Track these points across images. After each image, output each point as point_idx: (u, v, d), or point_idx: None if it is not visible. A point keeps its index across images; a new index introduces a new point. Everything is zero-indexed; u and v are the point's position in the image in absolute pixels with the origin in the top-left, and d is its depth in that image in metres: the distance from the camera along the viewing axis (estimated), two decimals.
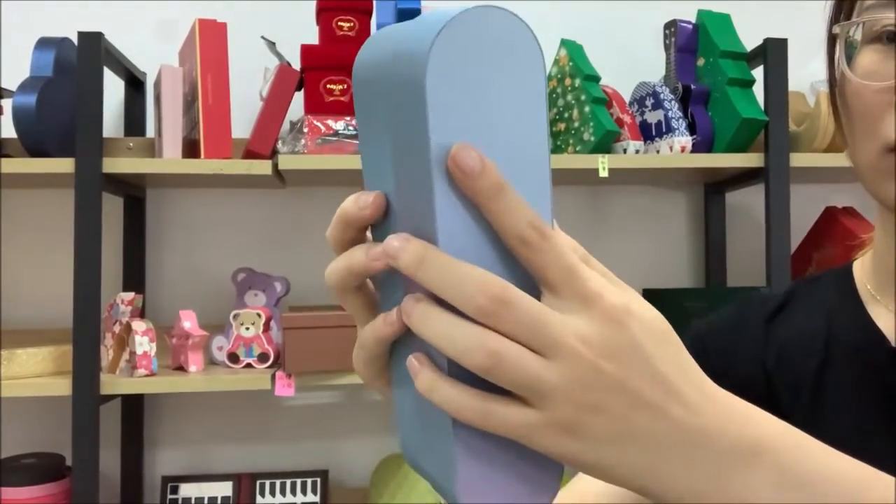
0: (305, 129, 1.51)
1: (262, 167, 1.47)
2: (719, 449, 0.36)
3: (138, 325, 1.45)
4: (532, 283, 0.36)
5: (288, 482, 1.68)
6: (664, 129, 1.59)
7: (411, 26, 0.36)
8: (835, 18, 0.61)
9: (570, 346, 0.34)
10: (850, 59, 0.59)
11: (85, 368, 1.40)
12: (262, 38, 1.61)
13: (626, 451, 0.36)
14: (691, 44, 1.65)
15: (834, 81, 0.62)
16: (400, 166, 0.36)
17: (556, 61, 1.65)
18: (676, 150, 1.56)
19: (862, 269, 0.67)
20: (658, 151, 1.60)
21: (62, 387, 1.42)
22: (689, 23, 1.65)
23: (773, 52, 1.56)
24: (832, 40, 0.61)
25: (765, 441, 0.37)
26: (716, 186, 1.83)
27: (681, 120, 1.58)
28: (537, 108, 0.36)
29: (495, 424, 0.35)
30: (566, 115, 1.60)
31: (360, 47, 0.39)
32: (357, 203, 0.38)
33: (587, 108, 1.55)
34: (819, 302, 0.67)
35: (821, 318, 0.65)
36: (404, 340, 0.39)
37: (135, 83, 1.72)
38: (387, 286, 0.40)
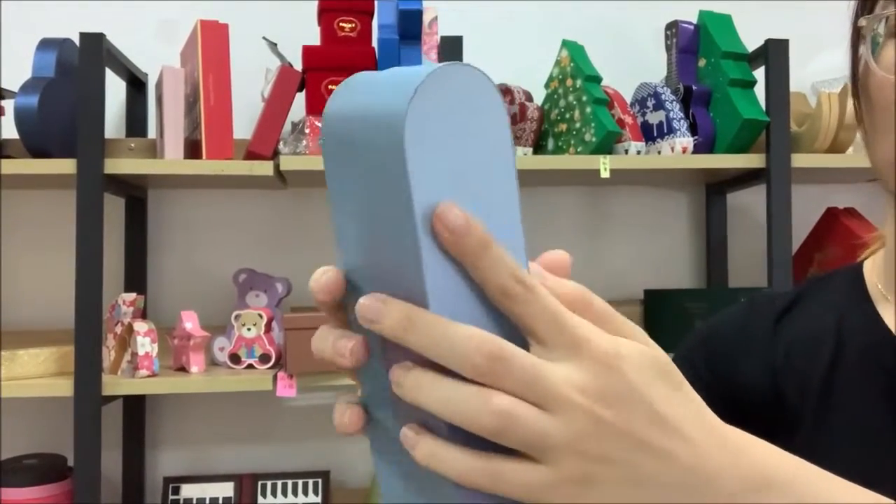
0: (307, 130, 1.51)
1: (264, 168, 1.48)
2: (730, 486, 0.36)
3: (140, 326, 1.45)
4: (519, 336, 0.35)
5: (289, 483, 1.68)
6: (665, 130, 1.59)
7: (384, 82, 0.36)
8: (860, 12, 0.61)
9: (566, 397, 0.34)
10: (874, 52, 0.59)
11: (87, 369, 1.40)
12: (264, 38, 1.61)
13: (639, 496, 0.35)
14: (692, 44, 1.65)
15: (856, 75, 0.62)
16: (377, 227, 0.36)
17: (558, 62, 1.65)
18: (678, 150, 1.56)
19: (873, 268, 0.67)
20: (659, 152, 1.60)
21: (64, 387, 1.42)
22: (690, 23, 1.65)
23: (774, 53, 1.56)
24: (857, 33, 0.61)
25: (773, 475, 0.37)
26: (717, 187, 1.83)
27: (682, 121, 1.58)
28: (506, 157, 0.36)
29: (507, 486, 0.34)
30: (567, 115, 1.60)
31: (331, 96, 0.38)
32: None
33: (588, 109, 1.55)
34: (829, 301, 0.67)
35: (830, 317, 0.65)
36: (376, 402, 0.38)
37: (136, 84, 1.72)
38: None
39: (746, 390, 0.65)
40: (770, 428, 0.63)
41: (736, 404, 0.65)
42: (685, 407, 0.37)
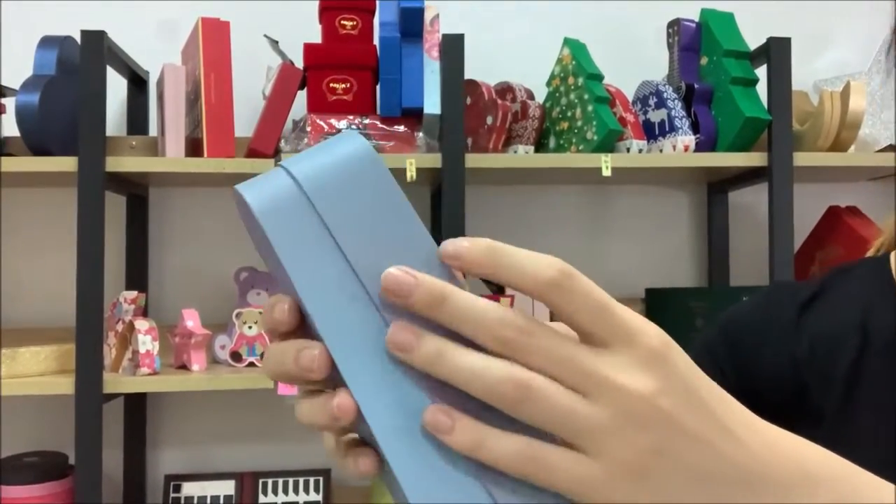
0: (308, 128, 1.51)
1: (265, 166, 1.47)
2: (780, 483, 0.36)
3: (141, 324, 1.45)
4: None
5: (290, 481, 1.68)
6: (667, 129, 1.59)
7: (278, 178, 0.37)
8: None
9: (618, 385, 0.33)
10: None
11: (88, 367, 1.40)
12: (265, 36, 1.61)
13: (697, 493, 0.34)
14: (694, 43, 1.65)
15: None
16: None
17: (559, 60, 1.65)
18: (679, 149, 1.56)
19: None
20: (661, 150, 1.60)
21: (65, 385, 1.42)
22: (692, 22, 1.65)
23: (776, 51, 1.56)
24: None
25: (818, 472, 0.37)
26: (719, 186, 1.83)
27: (684, 119, 1.57)
28: (401, 204, 0.36)
29: (556, 477, 0.33)
30: (569, 114, 1.60)
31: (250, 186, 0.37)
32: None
33: (590, 107, 1.55)
34: (854, 294, 0.66)
35: (855, 310, 0.64)
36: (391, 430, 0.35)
37: (138, 82, 1.72)
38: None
39: (768, 381, 0.65)
40: (791, 419, 0.63)
41: (756, 395, 0.64)
42: (728, 403, 0.36)
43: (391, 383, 0.34)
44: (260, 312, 1.53)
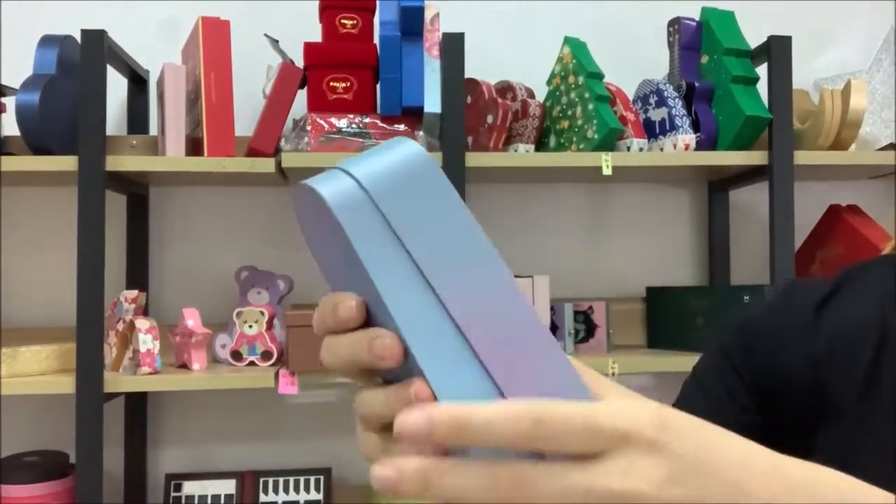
0: (308, 127, 1.51)
1: (265, 165, 1.47)
2: None
3: (141, 323, 1.45)
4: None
5: (291, 480, 1.68)
6: (668, 127, 1.59)
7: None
8: None
9: (623, 492, 0.33)
10: None
11: (88, 366, 1.40)
12: (266, 35, 1.61)
13: None
14: (695, 41, 1.65)
15: None
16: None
17: (560, 59, 1.64)
18: (680, 147, 1.56)
19: None
20: (662, 149, 1.60)
21: (66, 385, 1.42)
22: (692, 20, 1.65)
23: (777, 50, 1.56)
24: None
25: (849, 500, 0.37)
26: (719, 184, 1.82)
27: (684, 117, 1.57)
28: (457, 206, 0.38)
29: None
30: (569, 112, 1.60)
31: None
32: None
33: (590, 106, 1.54)
34: (872, 291, 0.65)
35: (874, 307, 0.64)
36: None
37: (138, 81, 1.72)
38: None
39: (785, 381, 0.65)
40: (809, 418, 0.62)
41: (774, 395, 0.64)
42: (745, 462, 0.36)
43: (462, 373, 0.36)
44: (261, 312, 1.53)
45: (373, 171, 0.38)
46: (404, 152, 0.38)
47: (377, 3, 1.56)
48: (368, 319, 0.39)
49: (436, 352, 0.36)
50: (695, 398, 0.69)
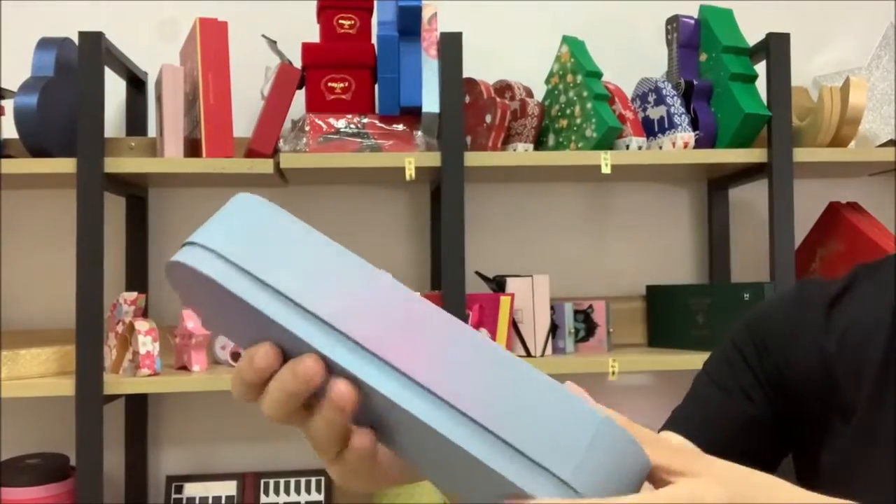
0: (307, 128, 1.51)
1: (264, 166, 1.47)
2: None
3: (141, 325, 1.45)
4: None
5: (292, 481, 1.68)
6: (667, 125, 1.59)
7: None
8: None
9: None
10: None
11: (88, 368, 1.40)
12: (263, 36, 1.60)
13: None
14: (693, 39, 1.64)
15: None
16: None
17: (558, 58, 1.64)
18: (679, 145, 1.56)
19: None
20: (661, 147, 1.60)
21: (65, 387, 1.42)
22: (691, 18, 1.64)
23: (775, 47, 1.56)
24: None
25: None
26: (719, 182, 1.82)
27: (683, 116, 1.57)
28: (294, 227, 0.42)
29: None
30: (568, 111, 1.60)
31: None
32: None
33: (589, 105, 1.54)
34: (883, 289, 0.66)
35: (885, 305, 0.64)
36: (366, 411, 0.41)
37: (136, 83, 1.72)
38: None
39: (798, 377, 0.65)
40: (821, 414, 0.62)
41: (786, 389, 0.64)
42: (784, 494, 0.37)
43: (373, 370, 0.39)
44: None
45: (215, 233, 0.42)
46: (234, 205, 0.42)
47: (375, 2, 1.56)
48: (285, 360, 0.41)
49: (349, 357, 0.38)
50: (707, 393, 0.69)
